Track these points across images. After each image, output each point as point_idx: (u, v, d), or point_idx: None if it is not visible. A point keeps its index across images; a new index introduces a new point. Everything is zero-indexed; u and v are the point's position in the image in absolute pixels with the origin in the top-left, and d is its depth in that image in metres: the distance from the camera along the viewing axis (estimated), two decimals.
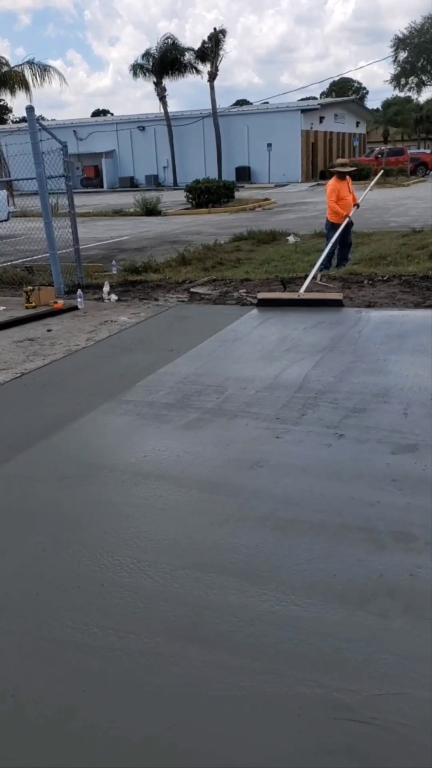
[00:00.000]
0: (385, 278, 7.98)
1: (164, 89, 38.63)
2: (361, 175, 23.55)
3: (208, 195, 23.13)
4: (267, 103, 43.78)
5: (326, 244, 9.03)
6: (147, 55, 37.35)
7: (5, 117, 58.28)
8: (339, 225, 8.96)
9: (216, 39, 36.13)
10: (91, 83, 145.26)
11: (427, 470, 3.23)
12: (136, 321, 6.72)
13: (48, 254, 8.30)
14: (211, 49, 36.31)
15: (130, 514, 3.00)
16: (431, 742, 1.77)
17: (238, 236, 13.62)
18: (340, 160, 9.73)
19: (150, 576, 2.53)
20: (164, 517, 2.98)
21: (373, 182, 10.57)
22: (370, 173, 27.95)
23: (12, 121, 55.44)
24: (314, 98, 53.85)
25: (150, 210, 21.69)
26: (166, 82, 38.09)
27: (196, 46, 36.87)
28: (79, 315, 7.19)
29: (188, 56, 36.90)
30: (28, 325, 6.85)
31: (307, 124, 39.89)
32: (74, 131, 42.90)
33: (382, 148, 42.23)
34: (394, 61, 44.01)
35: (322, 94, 66.84)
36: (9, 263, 10.43)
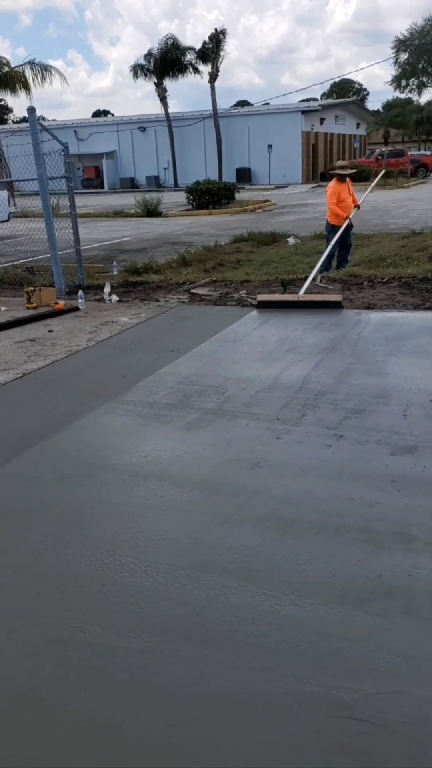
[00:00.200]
0: (384, 280, 8.00)
1: (165, 90, 38.68)
2: (361, 177, 23.59)
3: (209, 196, 23.16)
4: (267, 104, 43.91)
5: (326, 246, 9.06)
6: (149, 55, 37.40)
7: (6, 117, 58.36)
8: (339, 227, 8.99)
9: (217, 39, 36.17)
10: (92, 83, 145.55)
11: (426, 471, 3.25)
12: (136, 322, 6.74)
13: (49, 255, 8.33)
14: (211, 50, 36.34)
15: (130, 514, 3.02)
16: (429, 741, 1.79)
17: (238, 238, 13.65)
18: (340, 163, 9.75)
19: (150, 575, 2.55)
20: (164, 517, 3.00)
21: (373, 183, 10.58)
22: (371, 175, 28.01)
23: (13, 121, 55.54)
24: (315, 99, 53.90)
25: (151, 211, 21.72)
26: (167, 82, 38.16)
27: (197, 46, 36.96)
28: (80, 316, 7.21)
29: (189, 56, 36.96)
30: (29, 325, 6.87)
31: (307, 126, 39.93)
32: (75, 131, 42.95)
33: (383, 149, 42.29)
34: (395, 62, 44.16)
35: (322, 96, 66.92)
36: (10, 264, 10.45)
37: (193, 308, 7.32)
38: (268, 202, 25.23)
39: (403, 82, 45.69)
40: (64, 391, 4.77)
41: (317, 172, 40.05)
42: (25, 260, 10.65)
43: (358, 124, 48.89)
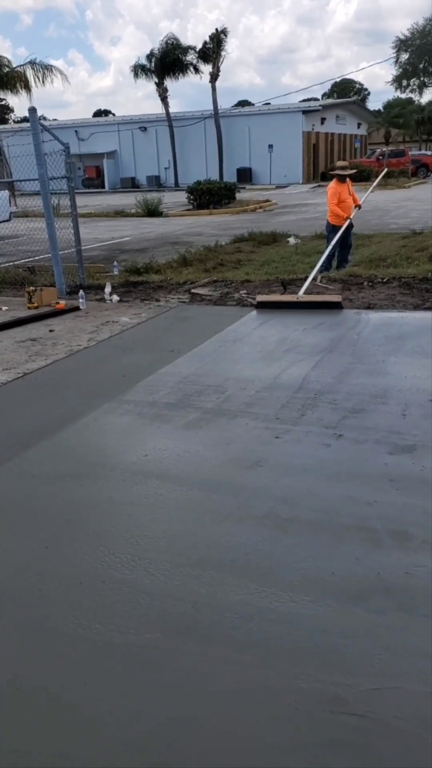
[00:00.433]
0: (384, 280, 8.02)
1: (166, 90, 38.69)
2: (362, 177, 23.61)
3: (210, 196, 23.18)
4: (268, 104, 43.95)
5: (326, 246, 9.08)
6: (150, 55, 37.41)
7: (7, 117, 58.39)
8: (339, 227, 9.02)
9: (218, 39, 36.16)
10: (93, 83, 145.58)
11: (424, 470, 3.27)
12: (137, 321, 6.77)
13: (50, 255, 8.35)
14: (212, 50, 36.34)
15: (130, 512, 3.04)
16: (425, 736, 1.81)
17: (238, 237, 13.68)
18: (340, 163, 9.77)
19: (150, 573, 2.57)
20: (165, 515, 3.02)
21: (375, 183, 10.60)
22: (371, 175, 28.03)
23: (14, 121, 55.56)
24: (316, 99, 53.90)
25: (151, 211, 21.74)
26: (168, 82, 38.16)
27: (198, 46, 36.95)
28: (81, 315, 7.23)
29: (190, 56, 36.96)
30: (31, 325, 6.89)
31: (308, 126, 39.93)
32: (76, 131, 42.98)
33: (384, 149, 42.29)
34: (396, 62, 44.18)
35: (323, 95, 66.94)
36: (11, 263, 10.48)
37: (194, 308, 7.34)
38: (269, 202, 25.26)
39: (404, 82, 45.74)
40: (65, 391, 4.79)
41: (318, 172, 40.07)
42: (26, 260, 10.67)
43: (359, 124, 48.90)
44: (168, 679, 2.06)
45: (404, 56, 44.28)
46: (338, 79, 69.01)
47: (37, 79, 27.13)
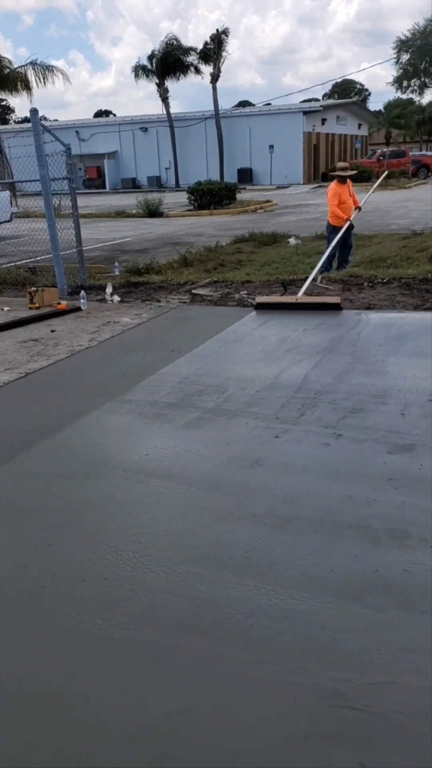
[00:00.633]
0: (384, 281, 8.05)
1: (166, 90, 38.77)
2: (362, 177, 23.64)
3: (210, 197, 23.22)
4: (269, 104, 44.00)
5: (327, 247, 9.11)
6: (151, 56, 37.46)
7: (7, 117, 58.44)
8: (340, 228, 9.06)
9: (218, 40, 36.22)
10: (94, 83, 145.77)
11: (423, 469, 3.30)
12: (138, 322, 6.80)
13: (51, 255, 8.38)
14: (213, 50, 36.40)
15: (132, 510, 3.07)
16: (423, 729, 1.84)
17: (239, 238, 13.71)
18: (340, 164, 9.80)
19: (152, 570, 2.61)
20: (165, 513, 3.05)
21: (375, 185, 10.64)
22: (372, 175, 28.08)
23: (14, 121, 55.61)
24: (316, 100, 53.92)
25: (152, 211, 21.78)
26: (169, 83, 38.25)
27: (199, 46, 37.02)
28: (82, 316, 7.27)
29: (191, 57, 37.01)
30: (32, 325, 6.93)
31: (309, 126, 39.98)
32: (77, 132, 43.05)
33: (385, 150, 42.33)
34: (397, 62, 44.20)
35: (324, 96, 67.02)
36: (12, 264, 10.51)
37: (194, 309, 7.37)
38: (270, 203, 25.29)
39: (405, 83, 45.75)
40: (66, 391, 4.82)
41: (318, 173, 40.12)
42: (28, 260, 10.71)
43: (359, 125, 48.94)
44: (168, 674, 2.09)
45: (405, 57, 44.31)
46: (339, 80, 69.11)
47: (38, 80, 27.23)
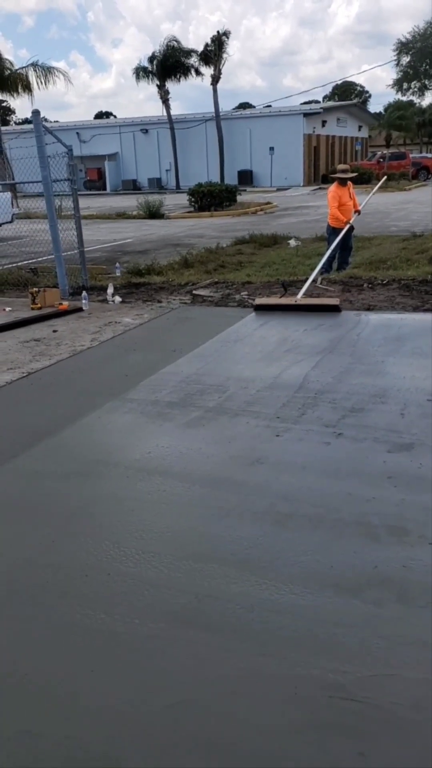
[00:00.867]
0: (384, 282, 8.09)
1: (167, 92, 38.85)
2: (362, 179, 23.71)
3: (211, 198, 23.28)
4: (269, 106, 44.07)
5: (327, 248, 9.15)
6: (151, 58, 37.55)
7: (8, 119, 58.51)
8: (340, 230, 9.10)
9: (219, 41, 36.29)
10: (94, 85, 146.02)
11: (422, 468, 3.34)
12: (139, 322, 6.84)
13: (52, 256, 8.43)
14: (214, 52, 36.46)
15: (134, 507, 3.11)
16: (420, 720, 1.88)
17: (239, 239, 13.76)
18: (341, 166, 9.85)
19: (154, 566, 2.64)
20: (167, 510, 3.09)
21: (375, 189, 10.69)
22: (372, 177, 28.14)
23: (15, 123, 55.68)
24: (317, 102, 54.05)
25: (153, 213, 21.83)
26: (169, 84, 38.34)
27: (199, 48, 37.07)
28: (84, 316, 7.31)
29: (191, 59, 37.08)
30: (34, 325, 6.97)
31: (309, 128, 40.04)
32: (77, 133, 43.11)
33: (385, 152, 42.40)
34: (397, 65, 44.26)
35: (324, 98, 67.14)
36: (14, 265, 10.55)
37: (195, 309, 7.41)
38: (270, 205, 25.33)
39: (405, 85, 45.80)
40: (69, 390, 4.86)
41: (319, 175, 40.18)
42: (29, 261, 10.75)
43: (359, 127, 49.01)
44: (171, 667, 2.13)
45: (405, 59, 44.36)
46: (339, 82, 69.23)
47: (39, 81, 27.30)
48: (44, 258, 9.86)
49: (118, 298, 7.93)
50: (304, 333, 6.03)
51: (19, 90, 28.50)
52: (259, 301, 7.21)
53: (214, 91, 37.31)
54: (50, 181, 8.06)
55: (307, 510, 3.01)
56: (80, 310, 7.53)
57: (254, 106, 53.59)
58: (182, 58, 36.95)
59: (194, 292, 8.22)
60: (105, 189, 42.78)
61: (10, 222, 15.50)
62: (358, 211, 9.47)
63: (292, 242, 12.33)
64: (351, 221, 9.26)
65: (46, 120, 47.51)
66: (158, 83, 38.24)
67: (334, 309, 6.78)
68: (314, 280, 7.84)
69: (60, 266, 8.34)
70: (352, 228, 9.37)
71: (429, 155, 45.39)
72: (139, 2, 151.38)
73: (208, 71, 37.20)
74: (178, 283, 8.87)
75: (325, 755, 1.80)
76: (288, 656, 2.14)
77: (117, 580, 2.57)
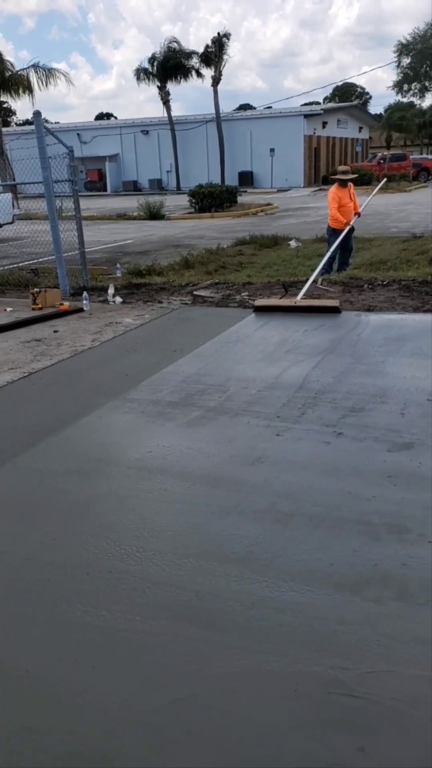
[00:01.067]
0: (384, 283, 8.11)
1: (168, 93, 38.92)
2: (363, 181, 23.74)
3: (211, 199, 23.32)
4: (270, 107, 44.08)
5: (327, 249, 9.17)
6: (152, 59, 37.61)
7: (9, 120, 58.56)
8: (340, 231, 9.12)
9: (220, 43, 36.36)
10: (95, 86, 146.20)
11: (421, 467, 3.35)
12: (140, 322, 6.86)
13: (53, 257, 8.44)
14: (214, 53, 36.53)
15: (135, 506, 3.13)
16: (420, 715, 1.90)
17: (240, 240, 13.78)
18: (341, 168, 9.87)
19: (155, 564, 2.66)
20: (168, 509, 3.10)
21: (375, 191, 10.71)
22: (373, 179, 28.18)
23: (16, 124, 55.73)
24: (317, 103, 54.16)
25: (153, 214, 21.87)
26: (170, 86, 38.41)
27: (200, 49, 37.15)
28: (85, 316, 7.33)
29: (192, 60, 37.13)
30: (35, 326, 6.99)
31: (309, 129, 40.08)
32: (78, 134, 43.18)
33: (385, 153, 42.45)
34: (398, 66, 44.28)
35: (325, 99, 67.25)
36: (15, 265, 10.58)
37: (196, 310, 7.43)
38: (270, 206, 25.36)
39: (406, 87, 45.82)
40: (70, 390, 4.88)
41: (319, 176, 40.22)
42: (30, 262, 10.77)
43: (360, 128, 49.05)
44: (172, 663, 2.14)
45: (406, 60, 44.38)
46: (340, 83, 69.32)
47: (40, 83, 27.34)
48: (45, 259, 9.88)
49: (118, 299, 7.94)
50: (304, 333, 6.05)
51: (20, 91, 28.54)
52: (259, 302, 7.22)
53: (215, 92, 37.38)
54: (51, 182, 8.08)
55: (307, 509, 3.02)
56: (81, 310, 7.55)
57: (255, 108, 53.60)
58: (183, 59, 37.03)
59: (195, 292, 8.24)
60: (105, 190, 42.83)
61: (11, 223, 15.54)
62: (358, 214, 9.49)
63: (293, 243, 12.36)
64: (351, 223, 9.28)
65: (47, 121, 47.57)
66: (159, 84, 38.32)
67: (334, 310, 6.79)
68: (315, 281, 7.86)
69: (61, 267, 8.36)
70: (352, 229, 9.39)
71: (429, 156, 45.41)
72: (139, 3, 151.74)
73: (208, 72, 37.35)
74: (179, 283, 8.89)
75: (326, 751, 1.81)
76: (288, 653, 2.15)
77: (118, 577, 2.58)
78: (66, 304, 7.67)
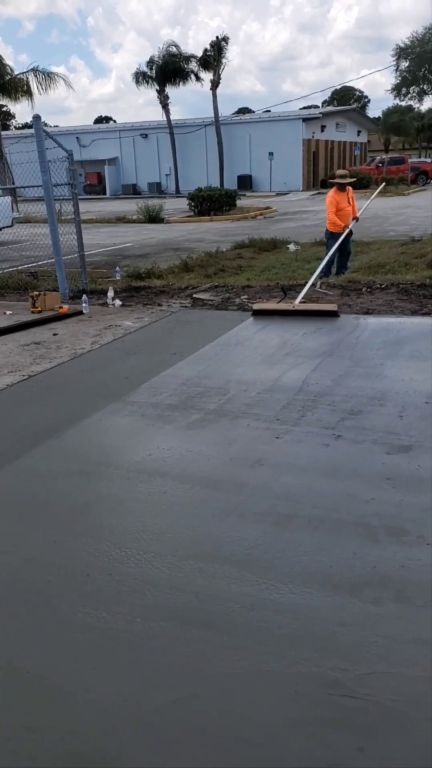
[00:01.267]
0: (383, 286, 8.13)
1: (167, 97, 38.99)
2: (361, 184, 23.79)
3: (210, 203, 23.36)
4: (269, 111, 44.15)
5: (326, 253, 9.20)
6: (150, 63, 37.70)
7: (8, 123, 58.64)
8: (338, 234, 9.15)
9: (218, 47, 36.45)
10: (94, 90, 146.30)
11: (420, 469, 3.37)
12: (140, 325, 6.87)
13: (52, 260, 8.47)
14: (213, 57, 36.62)
15: (135, 508, 3.14)
16: (419, 715, 1.91)
17: (239, 244, 13.81)
18: (340, 172, 9.91)
19: (155, 566, 2.67)
20: (168, 511, 3.11)
21: (373, 195, 10.74)
22: (371, 182, 28.25)
23: (15, 127, 55.82)
24: (316, 107, 54.27)
25: (153, 217, 21.91)
26: (169, 89, 38.46)
27: (199, 53, 37.23)
28: (84, 319, 7.34)
29: (191, 64, 37.23)
30: (34, 329, 7.00)
31: (308, 133, 40.19)
32: (77, 138, 43.24)
33: (383, 157, 42.56)
34: (396, 70, 44.39)
35: (323, 103, 67.34)
36: (14, 268, 10.59)
37: (196, 313, 7.45)
38: (269, 209, 25.41)
39: (404, 90, 45.94)
40: (69, 392, 4.89)
41: (318, 180, 40.29)
42: (29, 265, 10.79)
43: (358, 132, 49.19)
44: (173, 664, 2.15)
45: (404, 64, 44.52)
46: (339, 87, 69.49)
47: (39, 87, 27.41)
48: (44, 262, 9.91)
49: (118, 302, 7.96)
50: (303, 336, 6.07)
51: (20, 95, 28.61)
52: (257, 306, 7.21)
53: (214, 96, 37.47)
54: (51, 185, 8.11)
55: (306, 511, 3.03)
56: (80, 313, 7.56)
57: (254, 111, 53.70)
58: (181, 63, 37.11)
59: (194, 295, 8.26)
60: (105, 193, 42.89)
61: (10, 226, 15.56)
62: (356, 218, 9.51)
63: (292, 246, 12.38)
64: (350, 227, 9.31)
65: (46, 125, 47.64)
66: (158, 88, 38.39)
67: (332, 314, 6.78)
68: (313, 284, 7.88)
69: (60, 270, 8.38)
70: (350, 233, 9.42)
71: (428, 160, 45.59)
72: (138, 7, 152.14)
73: (207, 76, 37.42)
74: (179, 286, 8.91)
75: (326, 750, 1.82)
76: (288, 654, 2.16)
77: (118, 579, 2.59)
78: (65, 307, 7.69)
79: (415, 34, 42.52)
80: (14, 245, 12.32)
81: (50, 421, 4.29)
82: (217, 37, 36.63)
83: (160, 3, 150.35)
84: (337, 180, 9.50)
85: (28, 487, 3.44)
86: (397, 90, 45.64)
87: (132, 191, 42.16)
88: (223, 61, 36.95)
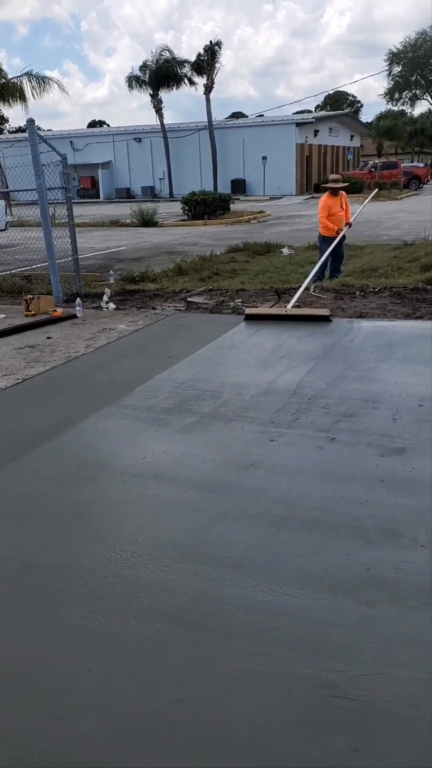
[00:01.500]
0: (376, 290, 8.17)
1: (160, 101, 39.10)
2: (354, 189, 23.88)
3: (204, 207, 23.42)
4: (262, 115, 44.36)
5: (319, 257, 9.24)
6: (144, 67, 37.79)
7: (1, 127, 58.64)
8: (330, 238, 9.20)
9: (212, 51, 36.59)
10: (88, 94, 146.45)
11: (413, 471, 3.38)
12: (134, 329, 6.88)
13: (46, 263, 8.46)
14: (206, 62, 36.75)
15: (130, 511, 3.14)
16: (413, 716, 1.92)
17: (233, 248, 13.84)
18: (332, 176, 9.95)
19: (150, 569, 2.67)
20: (163, 514, 3.12)
21: (366, 201, 10.81)
22: (364, 187, 28.37)
23: (8, 131, 55.80)
24: (309, 111, 54.38)
25: (146, 221, 21.94)
26: (162, 94, 38.59)
27: (192, 57, 37.36)
28: (78, 323, 7.34)
29: (185, 69, 37.33)
30: (28, 332, 6.99)
31: (301, 138, 40.34)
32: (71, 142, 43.25)
33: (376, 161, 42.76)
34: (389, 75, 44.70)
35: (316, 107, 67.68)
36: (8, 272, 10.58)
37: (190, 316, 7.46)
38: (263, 213, 25.50)
39: (396, 95, 46.27)
40: (64, 396, 4.89)
41: (311, 184, 40.47)
42: (23, 269, 10.78)
43: (351, 136, 49.41)
44: (168, 666, 2.15)
45: (396, 69, 44.85)
46: (332, 92, 69.79)
47: (33, 91, 27.42)
48: (38, 265, 9.90)
49: (112, 305, 7.97)
50: (297, 340, 6.09)
51: (11, 102, 28.62)
52: (249, 310, 7.19)
53: (207, 100, 37.58)
54: (45, 189, 8.11)
55: (301, 513, 3.04)
56: (74, 317, 7.56)
57: (247, 116, 53.89)
58: (175, 67, 37.21)
59: (188, 299, 8.27)
60: (98, 197, 42.89)
61: (4, 230, 15.54)
62: (349, 224, 9.54)
63: (285, 250, 12.41)
64: (343, 231, 9.35)
65: (39, 128, 47.67)
66: (151, 92, 38.50)
67: (325, 319, 6.76)
68: (307, 288, 7.91)
69: (54, 273, 8.37)
70: (343, 237, 9.46)
71: (420, 164, 45.81)
72: (132, 12, 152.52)
73: (201, 81, 37.58)
74: (173, 290, 8.92)
75: (321, 751, 1.83)
76: (283, 656, 2.17)
77: (113, 582, 2.59)
78: (59, 311, 7.69)
79: (407, 40, 42.95)
80: (8, 249, 12.31)
81: (45, 425, 4.29)
82: (210, 42, 36.82)
83: (154, 7, 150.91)
84: (330, 184, 9.55)
85: (23, 490, 3.44)
86: (389, 95, 46.01)
87: (126, 195, 42.21)
88: (217, 65, 37.12)
